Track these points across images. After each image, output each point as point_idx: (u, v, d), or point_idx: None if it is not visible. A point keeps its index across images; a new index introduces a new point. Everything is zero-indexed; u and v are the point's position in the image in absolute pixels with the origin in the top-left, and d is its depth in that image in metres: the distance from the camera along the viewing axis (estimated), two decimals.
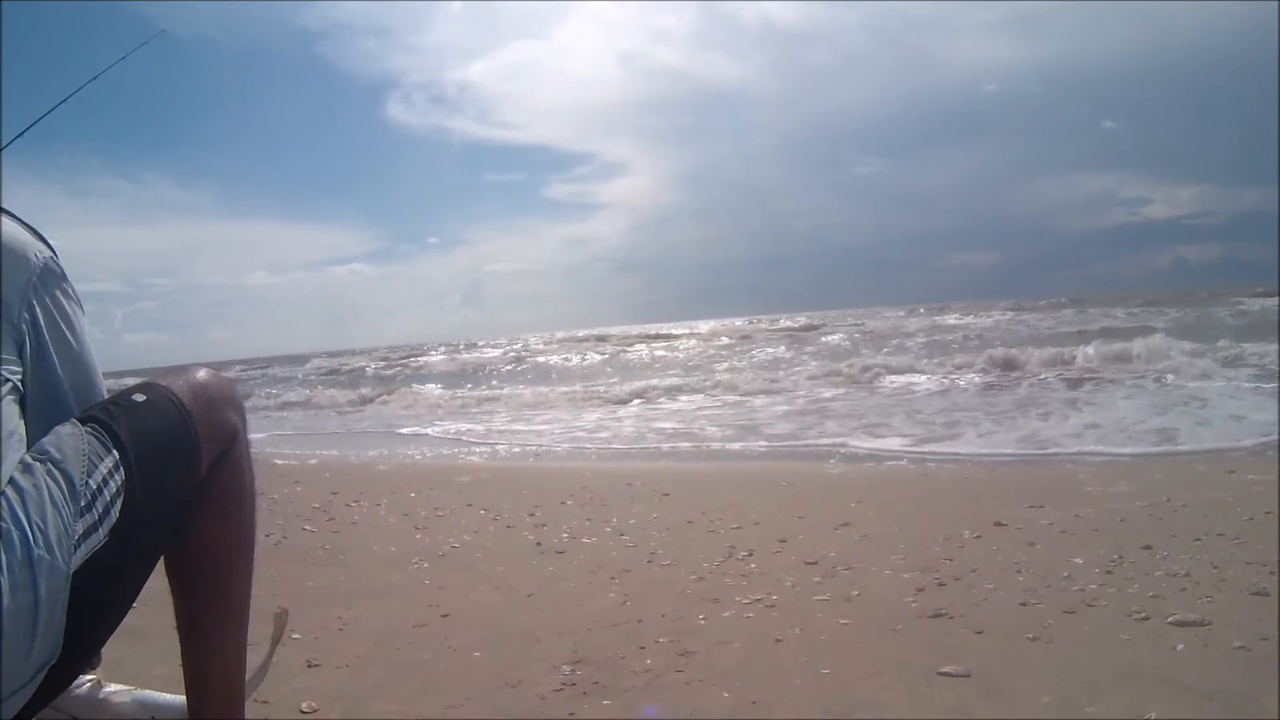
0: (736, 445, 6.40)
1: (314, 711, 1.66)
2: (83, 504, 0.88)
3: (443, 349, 35.37)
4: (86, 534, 0.88)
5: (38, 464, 0.88)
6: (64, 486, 0.87)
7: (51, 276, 1.02)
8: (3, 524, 0.81)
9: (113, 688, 1.32)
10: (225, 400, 1.09)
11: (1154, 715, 1.48)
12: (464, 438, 8.19)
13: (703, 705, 1.64)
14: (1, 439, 0.87)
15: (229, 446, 1.08)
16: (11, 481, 0.85)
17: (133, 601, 0.99)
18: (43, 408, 0.98)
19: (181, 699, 1.17)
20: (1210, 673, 1.65)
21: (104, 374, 1.09)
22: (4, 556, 0.79)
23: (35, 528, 0.82)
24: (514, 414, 10.77)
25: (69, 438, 0.93)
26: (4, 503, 0.82)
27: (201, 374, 1.10)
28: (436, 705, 1.69)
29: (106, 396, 1.06)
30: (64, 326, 1.02)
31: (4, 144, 1.20)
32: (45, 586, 0.82)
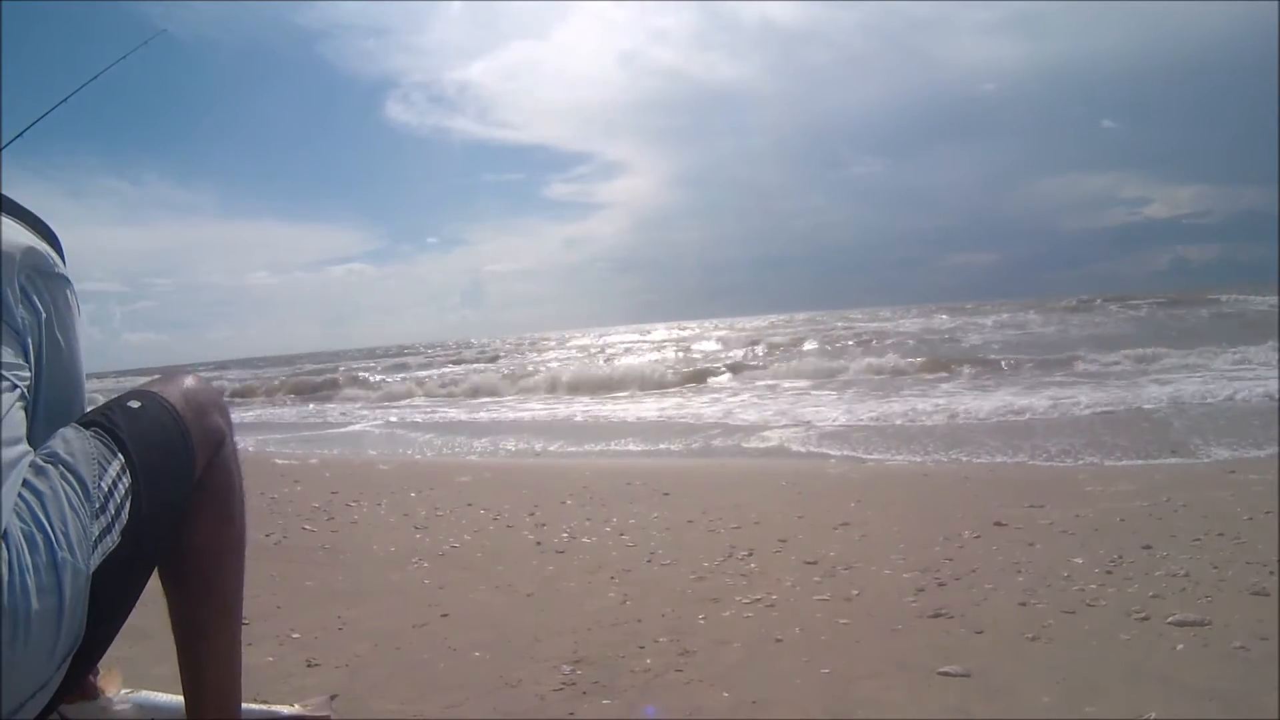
0: None
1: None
2: (97, 506, 0.90)
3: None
4: (102, 535, 0.89)
5: (50, 467, 0.89)
6: (78, 489, 0.89)
7: (56, 278, 1.01)
8: (25, 527, 0.82)
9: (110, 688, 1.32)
10: (213, 405, 1.12)
11: (1154, 715, 1.48)
12: None
13: (702, 705, 1.64)
14: (5, 445, 0.87)
15: (218, 449, 1.12)
16: (27, 484, 0.86)
17: (135, 602, 0.99)
18: (41, 410, 0.98)
19: (179, 699, 1.18)
20: (1210, 673, 1.65)
21: (104, 374, 1.09)
22: (29, 559, 0.80)
23: (57, 530, 0.84)
24: None
25: (76, 441, 0.94)
26: (24, 506, 0.84)
27: (189, 381, 1.13)
28: (436, 705, 1.69)
29: (92, 403, 1.07)
30: (65, 330, 1.02)
31: (4, 144, 1.20)
32: (69, 588, 0.83)
